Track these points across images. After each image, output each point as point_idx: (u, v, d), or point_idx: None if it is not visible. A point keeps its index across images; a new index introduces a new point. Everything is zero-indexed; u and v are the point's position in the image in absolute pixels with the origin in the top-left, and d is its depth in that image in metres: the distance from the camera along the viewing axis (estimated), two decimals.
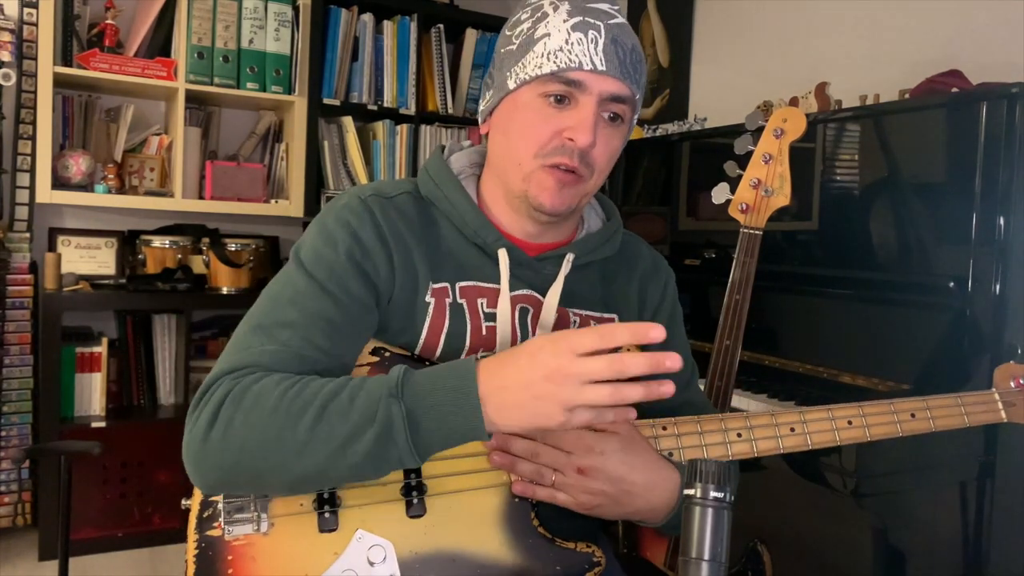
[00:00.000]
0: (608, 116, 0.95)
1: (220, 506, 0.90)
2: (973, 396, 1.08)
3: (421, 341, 0.98)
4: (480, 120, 1.05)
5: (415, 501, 0.91)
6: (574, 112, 0.93)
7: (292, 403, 0.82)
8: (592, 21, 0.93)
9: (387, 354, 0.97)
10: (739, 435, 0.99)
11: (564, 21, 0.93)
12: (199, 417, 0.85)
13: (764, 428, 1.00)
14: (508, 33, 1.00)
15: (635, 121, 1.02)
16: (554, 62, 0.92)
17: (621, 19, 0.96)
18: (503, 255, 1.00)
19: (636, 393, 0.78)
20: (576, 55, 0.92)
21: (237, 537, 0.89)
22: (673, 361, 0.76)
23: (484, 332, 0.99)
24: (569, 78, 0.92)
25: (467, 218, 1.00)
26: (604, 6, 0.96)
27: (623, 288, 1.10)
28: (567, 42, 0.92)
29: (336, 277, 0.93)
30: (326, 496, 0.90)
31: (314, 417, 0.81)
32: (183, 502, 0.92)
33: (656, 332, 0.76)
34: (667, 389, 0.78)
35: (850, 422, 1.02)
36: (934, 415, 1.05)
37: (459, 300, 0.99)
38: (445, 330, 0.98)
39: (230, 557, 0.88)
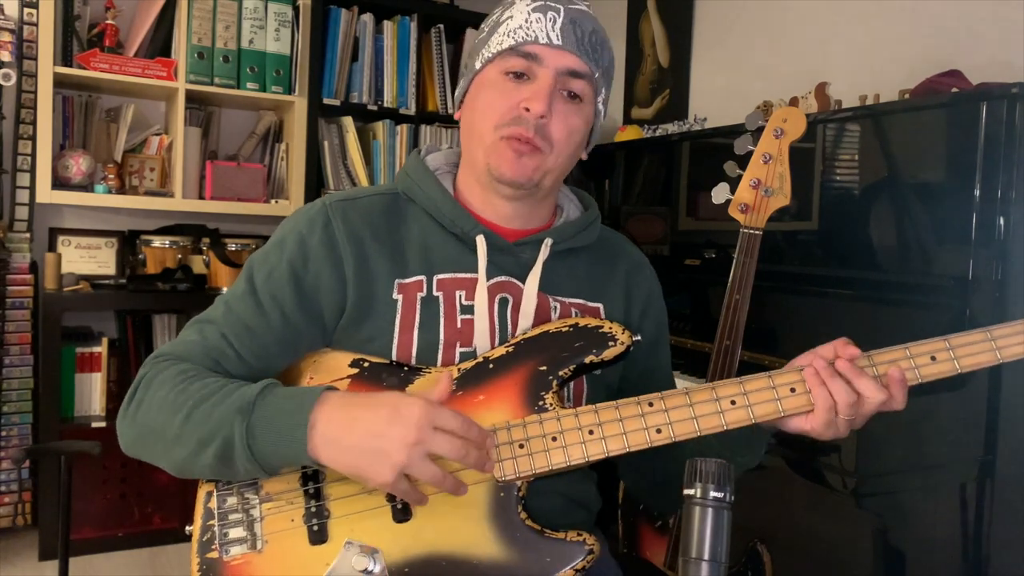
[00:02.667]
0: (566, 93, 0.99)
1: (216, 529, 0.92)
2: (1005, 328, 0.92)
3: (395, 341, 0.98)
4: (456, 108, 1.09)
5: (400, 506, 0.91)
6: (532, 84, 0.98)
7: (176, 398, 0.90)
8: (553, 4, 0.99)
9: (366, 364, 0.97)
10: (733, 402, 0.91)
11: (527, 5, 1.00)
12: (128, 391, 0.96)
13: (761, 392, 0.92)
14: (482, 27, 1.07)
15: (601, 106, 1.05)
16: (513, 38, 0.98)
17: (584, 7, 1.02)
18: (481, 241, 1.01)
19: (459, 489, 0.87)
20: (533, 31, 0.98)
21: (234, 557, 0.91)
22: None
23: (459, 325, 0.99)
24: (526, 51, 0.97)
25: (444, 209, 1.03)
26: None
27: (608, 279, 1.10)
28: (527, 21, 0.98)
29: (270, 284, 0.98)
30: (314, 509, 0.92)
31: (184, 416, 0.89)
32: (186, 528, 0.96)
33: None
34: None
35: None
36: (958, 355, 0.91)
37: (435, 293, 1.00)
38: (416, 325, 0.98)
39: None
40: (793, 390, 0.91)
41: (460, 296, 1.00)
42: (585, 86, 0.99)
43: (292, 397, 0.88)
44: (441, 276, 1.01)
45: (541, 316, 1.02)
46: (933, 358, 0.91)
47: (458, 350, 0.99)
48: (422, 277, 1.00)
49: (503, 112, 0.97)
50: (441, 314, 0.99)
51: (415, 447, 0.82)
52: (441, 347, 0.99)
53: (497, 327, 1.00)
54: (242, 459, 0.86)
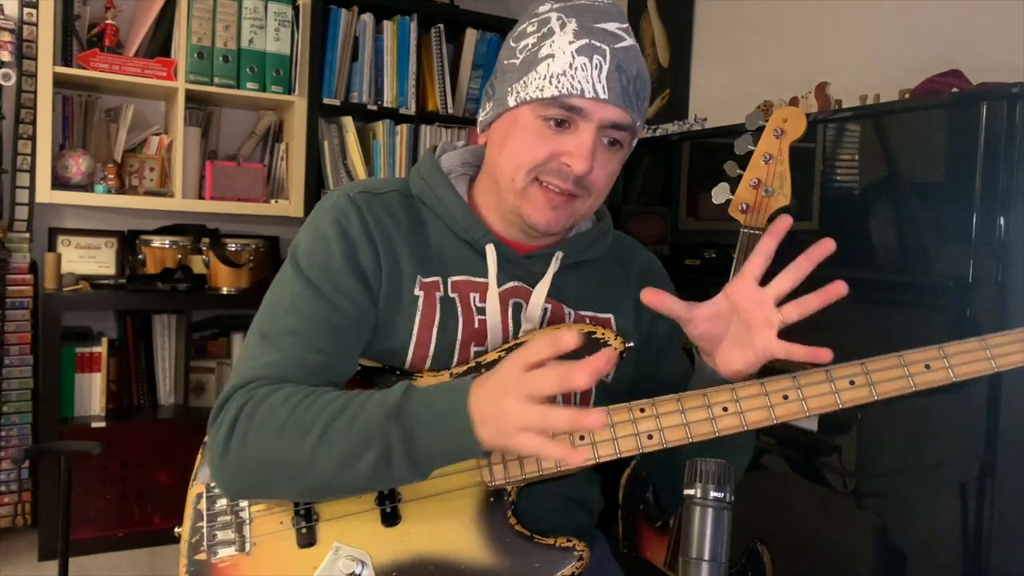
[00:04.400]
0: (607, 141, 0.95)
1: (204, 531, 0.93)
2: (1002, 337, 0.90)
3: (413, 337, 0.98)
4: (479, 130, 1.04)
5: (388, 510, 0.91)
6: (572, 137, 0.92)
7: (299, 421, 0.85)
8: (598, 45, 0.91)
9: (359, 368, 0.97)
10: (725, 409, 0.90)
11: (570, 43, 0.91)
12: (218, 432, 0.89)
13: (753, 399, 0.90)
14: (513, 45, 0.98)
15: (635, 143, 1.01)
16: (556, 87, 0.90)
17: (630, 41, 0.94)
18: (491, 250, 1.00)
19: (562, 423, 0.76)
20: (579, 81, 0.90)
21: (222, 559, 0.92)
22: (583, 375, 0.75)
23: (476, 325, 0.99)
24: (570, 104, 0.91)
25: (456, 215, 1.01)
26: (612, 26, 0.93)
27: (619, 289, 1.10)
28: (571, 66, 0.90)
29: (330, 278, 0.95)
30: (302, 512, 0.92)
31: (318, 436, 0.84)
32: (175, 530, 0.97)
33: (569, 337, 0.75)
34: (592, 421, 0.76)
35: (852, 382, 0.91)
36: (953, 363, 0.90)
37: (451, 294, 1.00)
38: (436, 323, 0.98)
39: None
40: (786, 397, 0.90)
41: (474, 298, 1.00)
42: (626, 136, 0.95)
43: (442, 392, 0.84)
44: (455, 278, 1.00)
45: (554, 324, 1.02)
46: (927, 366, 0.91)
47: (473, 348, 0.99)
48: (438, 278, 1.00)
49: (540, 160, 0.93)
50: (459, 314, 0.99)
51: (517, 417, 0.77)
52: (459, 345, 0.99)
53: (511, 330, 1.00)
54: (402, 465, 0.82)
